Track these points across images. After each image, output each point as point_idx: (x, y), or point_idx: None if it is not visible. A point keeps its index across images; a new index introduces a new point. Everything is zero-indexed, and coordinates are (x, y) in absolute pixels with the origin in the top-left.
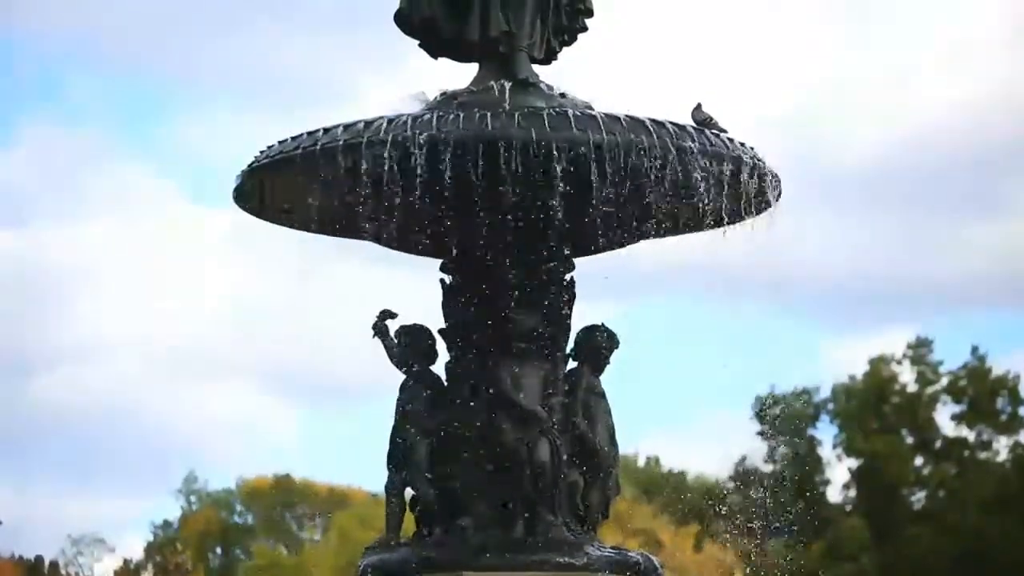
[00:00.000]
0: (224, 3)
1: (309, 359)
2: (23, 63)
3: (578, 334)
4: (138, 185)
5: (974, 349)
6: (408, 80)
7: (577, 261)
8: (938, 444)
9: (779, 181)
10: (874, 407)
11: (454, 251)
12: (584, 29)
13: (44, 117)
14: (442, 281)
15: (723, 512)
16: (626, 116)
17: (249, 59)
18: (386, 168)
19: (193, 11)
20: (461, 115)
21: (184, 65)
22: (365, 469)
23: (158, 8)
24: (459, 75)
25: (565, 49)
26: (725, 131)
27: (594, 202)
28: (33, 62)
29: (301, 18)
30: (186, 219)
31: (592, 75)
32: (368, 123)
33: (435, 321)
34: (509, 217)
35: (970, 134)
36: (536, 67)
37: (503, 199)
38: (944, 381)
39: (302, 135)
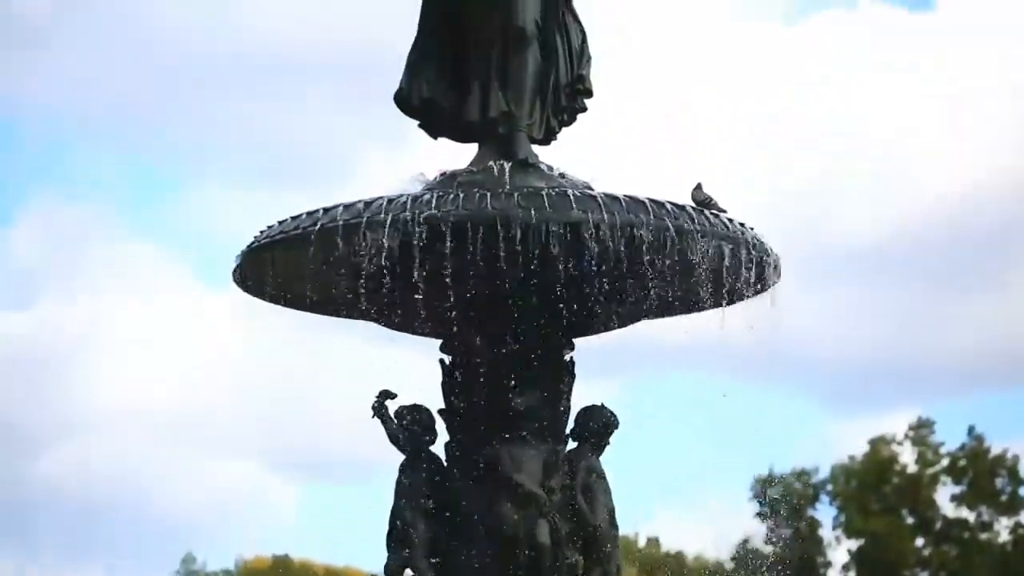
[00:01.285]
0: (231, 80)
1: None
2: (29, 138)
3: (578, 414)
4: (142, 261)
5: (970, 429)
6: (414, 158)
7: (577, 341)
8: (939, 525)
9: (779, 261)
10: (874, 488)
11: (454, 331)
12: (583, 109)
13: (50, 192)
14: (442, 361)
15: None
16: (625, 196)
17: (255, 135)
18: (386, 248)
19: (200, 87)
20: (461, 195)
21: (190, 141)
22: (364, 549)
23: (165, 84)
24: (461, 154)
25: (564, 129)
26: (725, 211)
27: (594, 282)
28: (39, 137)
29: (307, 95)
30: (189, 295)
31: (592, 154)
32: (368, 203)
33: (435, 401)
34: (509, 297)
35: (972, 213)
36: (535, 147)
37: (503, 279)
38: (944, 462)
39: (301, 215)
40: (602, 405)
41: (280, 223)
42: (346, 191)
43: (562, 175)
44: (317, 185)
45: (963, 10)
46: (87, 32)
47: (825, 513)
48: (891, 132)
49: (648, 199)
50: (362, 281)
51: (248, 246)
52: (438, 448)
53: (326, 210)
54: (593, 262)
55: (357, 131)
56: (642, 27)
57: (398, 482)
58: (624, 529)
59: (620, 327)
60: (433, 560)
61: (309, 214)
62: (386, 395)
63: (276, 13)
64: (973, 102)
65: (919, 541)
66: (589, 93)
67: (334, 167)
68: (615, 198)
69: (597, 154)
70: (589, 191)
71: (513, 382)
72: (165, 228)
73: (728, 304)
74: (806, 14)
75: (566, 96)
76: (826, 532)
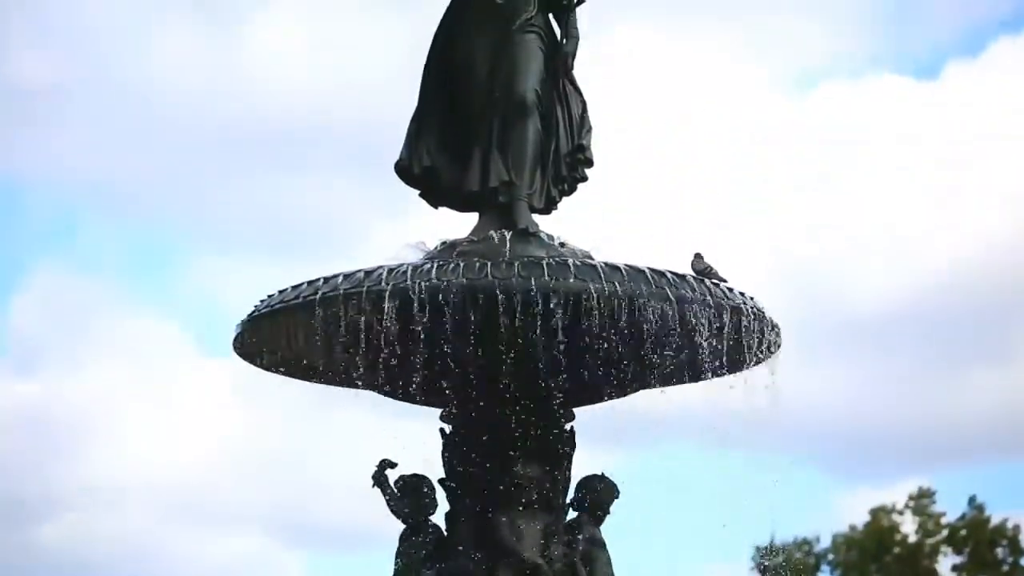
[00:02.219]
0: (235, 150)
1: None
2: (36, 209)
3: (578, 484)
4: (147, 332)
5: (971, 499)
6: (420, 227)
7: (577, 410)
8: None
9: (779, 331)
10: (875, 557)
11: (454, 401)
12: (584, 179)
13: (56, 263)
14: (442, 431)
15: None
16: (626, 265)
17: (260, 206)
18: (386, 317)
19: (204, 158)
20: (461, 264)
21: (195, 211)
22: None
23: (170, 155)
24: (463, 223)
25: (565, 198)
26: (725, 280)
27: (594, 351)
28: (46, 208)
29: (313, 165)
30: (193, 366)
31: (594, 222)
32: (368, 272)
33: (435, 470)
34: (508, 366)
35: (975, 284)
36: (536, 216)
37: (503, 349)
38: (945, 532)
39: (302, 284)
40: (602, 475)
41: (280, 292)
42: (352, 261)
43: (562, 244)
44: (323, 255)
45: (969, 79)
46: (90, 104)
47: None
48: (895, 201)
49: (649, 268)
50: (362, 350)
51: (248, 315)
52: (438, 518)
53: (326, 279)
54: (594, 331)
55: (363, 200)
56: (644, 95)
57: (399, 552)
58: None
59: (621, 396)
60: None
61: (310, 283)
62: (386, 464)
63: (280, 83)
64: (979, 173)
65: None
66: (590, 162)
67: (340, 237)
68: (615, 267)
69: (598, 222)
70: (589, 260)
71: (513, 452)
72: (169, 298)
73: (729, 373)
74: (813, 84)
75: (567, 165)
76: None
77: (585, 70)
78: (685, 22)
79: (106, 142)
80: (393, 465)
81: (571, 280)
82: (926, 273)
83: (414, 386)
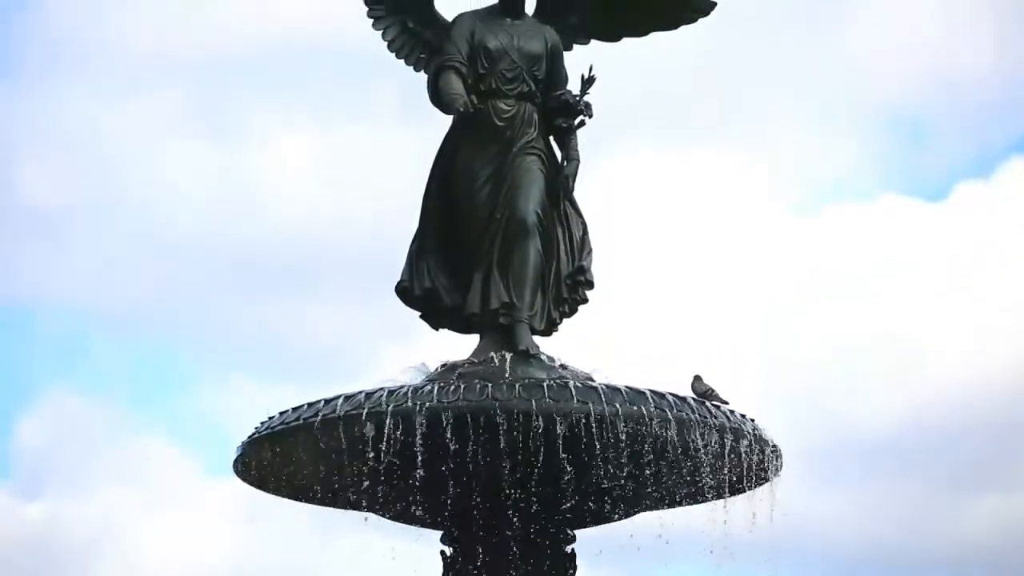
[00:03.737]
0: (243, 272)
1: None
2: (46, 331)
3: None
4: (154, 454)
5: None
6: (427, 348)
7: (578, 532)
8: None
9: (780, 453)
10: None
11: (454, 523)
12: (585, 300)
13: (65, 385)
14: (442, 553)
15: None
16: (626, 387)
17: (268, 327)
18: (386, 439)
19: (213, 280)
20: (462, 386)
21: (204, 333)
22: None
23: (181, 276)
24: (469, 344)
25: (566, 320)
26: (726, 403)
27: (595, 473)
28: (56, 330)
29: (320, 287)
30: (200, 487)
31: (595, 343)
32: (369, 394)
33: None
34: (509, 488)
35: (983, 407)
36: (537, 338)
37: (503, 470)
38: None
39: (302, 406)
40: None
41: (281, 414)
42: (361, 382)
43: (563, 366)
44: (328, 377)
45: (979, 200)
46: (100, 225)
47: None
48: (902, 323)
49: (649, 390)
50: (363, 472)
51: (249, 437)
52: None
53: (327, 400)
54: (594, 453)
55: (372, 322)
56: (648, 214)
57: None
58: None
59: (622, 518)
60: None
61: (310, 405)
62: None
63: (289, 205)
64: (985, 295)
65: None
66: (590, 284)
67: (349, 359)
68: (616, 389)
69: (600, 343)
70: (590, 382)
71: (514, 574)
72: (177, 420)
73: (730, 496)
74: (820, 205)
75: (567, 287)
76: None
77: (588, 189)
78: (691, 142)
79: (116, 263)
80: None
81: (572, 402)
82: (933, 396)
83: (415, 508)
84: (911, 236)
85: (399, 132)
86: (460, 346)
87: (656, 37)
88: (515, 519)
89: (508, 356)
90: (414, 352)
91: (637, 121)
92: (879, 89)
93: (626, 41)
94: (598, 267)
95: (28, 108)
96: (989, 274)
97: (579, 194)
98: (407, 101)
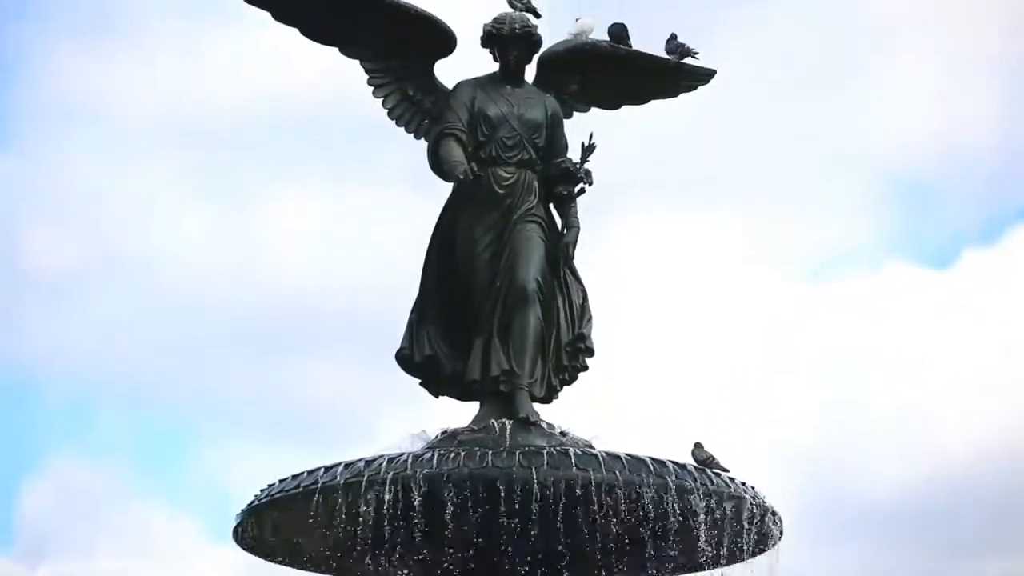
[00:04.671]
0: (251, 336)
1: None
2: (51, 396)
3: None
4: (158, 519)
5: None
6: (432, 414)
7: None
8: None
9: (781, 521)
10: None
11: None
12: (585, 368)
13: (69, 450)
14: None
15: None
16: (627, 455)
17: (273, 392)
18: (386, 507)
19: (220, 344)
20: (462, 453)
21: (209, 397)
22: None
23: (186, 340)
24: (469, 411)
25: (566, 387)
26: (727, 470)
27: (595, 540)
28: (61, 395)
29: (325, 352)
30: (203, 554)
31: (596, 410)
32: (368, 461)
33: None
34: (509, 555)
35: (986, 474)
36: (537, 405)
37: (503, 537)
38: None
39: (302, 473)
40: None
41: (281, 481)
42: (363, 449)
43: (563, 433)
44: (332, 442)
45: (986, 267)
46: (105, 288)
47: None
48: (906, 391)
49: (650, 458)
50: (362, 539)
51: (249, 504)
52: None
53: (327, 468)
54: (594, 521)
55: (376, 388)
56: (654, 282)
57: None
58: None
59: None
60: None
61: (310, 472)
62: None
63: (294, 268)
64: (990, 362)
65: None
66: (590, 352)
67: (351, 424)
68: (616, 457)
69: (601, 410)
70: (590, 450)
71: None
72: (181, 485)
73: (730, 563)
74: (826, 274)
75: (567, 355)
76: None
77: (588, 255)
78: (697, 209)
79: (121, 329)
80: None
81: (572, 470)
82: (936, 460)
83: (415, 574)
84: (917, 303)
85: (406, 197)
86: (462, 412)
87: (656, 104)
88: None
89: (508, 423)
90: (418, 417)
91: (637, 188)
92: (884, 155)
93: (626, 108)
94: (598, 334)
95: (32, 173)
96: (995, 341)
97: (579, 261)
98: (414, 166)
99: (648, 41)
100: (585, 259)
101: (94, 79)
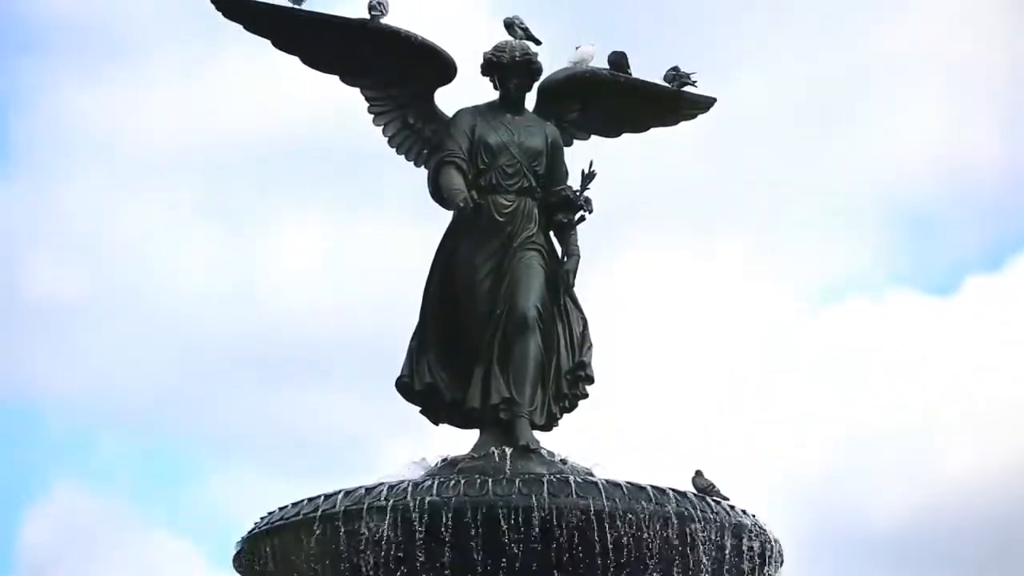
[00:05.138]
0: (252, 365)
1: None
2: (54, 426)
3: None
4: (159, 548)
5: None
6: (437, 442)
7: None
8: None
9: (782, 548)
10: None
11: None
12: (585, 395)
13: (72, 480)
14: None
15: None
16: (627, 483)
17: (275, 420)
18: (386, 534)
19: (222, 373)
20: (462, 481)
21: (211, 426)
22: None
23: (188, 369)
24: (468, 439)
25: (566, 415)
26: (727, 498)
27: (596, 568)
28: (64, 425)
29: (326, 380)
30: None
31: (598, 438)
32: (369, 489)
33: None
34: None
35: (987, 501)
36: (537, 433)
37: (504, 565)
38: None
39: (302, 501)
40: None
41: (280, 509)
42: (363, 477)
43: (563, 461)
44: (335, 470)
45: (987, 294)
46: (109, 319)
47: None
48: (910, 418)
49: (650, 486)
50: (363, 566)
51: (248, 532)
52: None
53: (326, 496)
54: (595, 548)
55: (378, 415)
56: (653, 307)
57: None
58: None
59: None
60: None
61: (309, 500)
62: None
63: (296, 298)
64: (995, 389)
65: None
66: (591, 379)
67: (355, 451)
68: (616, 484)
69: (601, 437)
70: (591, 477)
71: None
72: (182, 513)
73: None
74: (828, 301)
75: (567, 382)
76: None
77: (589, 283)
78: (699, 237)
79: (123, 356)
80: None
81: (572, 497)
82: (940, 489)
83: None
84: (920, 331)
85: (410, 226)
86: (465, 440)
87: (661, 132)
88: None
89: (508, 451)
90: (421, 446)
91: (638, 216)
92: (886, 183)
93: (627, 136)
94: (599, 361)
95: (35, 202)
96: (999, 368)
97: (579, 289)
98: (418, 195)
99: (649, 69)
100: (585, 287)
101: (97, 109)
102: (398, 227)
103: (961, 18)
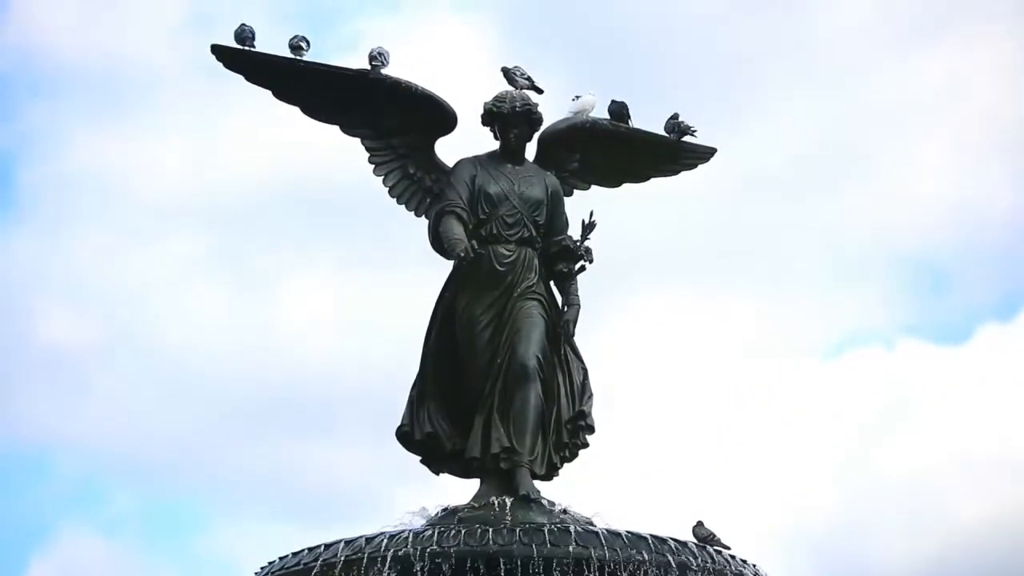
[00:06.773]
0: (259, 415)
1: None
2: (63, 472)
3: None
4: None
5: None
6: (436, 492)
7: None
8: None
9: None
10: None
11: None
12: (585, 445)
13: (79, 526)
14: None
15: None
16: (627, 532)
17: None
18: None
19: (229, 422)
20: (462, 531)
21: (217, 475)
22: None
23: (195, 418)
24: (471, 488)
25: (567, 464)
26: (728, 547)
27: None
28: (71, 471)
29: (332, 430)
30: None
31: (596, 487)
32: (369, 539)
33: None
34: None
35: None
36: (538, 482)
37: None
38: None
39: (303, 551)
40: None
41: (282, 558)
42: (372, 525)
43: (564, 511)
44: (341, 520)
45: (999, 344)
46: (117, 367)
47: None
48: (919, 467)
49: (650, 535)
50: None
51: None
52: None
53: (327, 545)
54: None
55: (385, 465)
56: (658, 354)
57: None
58: None
59: None
60: None
61: (310, 549)
62: None
63: (304, 348)
64: (1004, 438)
65: None
66: (591, 429)
67: (361, 501)
68: (617, 534)
69: (601, 487)
70: (591, 527)
71: None
72: (188, 562)
73: None
74: (844, 352)
75: (568, 432)
76: None
77: (600, 331)
78: (707, 289)
79: (132, 404)
80: None
81: (572, 547)
82: (951, 538)
83: None
84: (931, 380)
85: (417, 276)
86: (471, 489)
87: (671, 182)
88: None
89: (509, 501)
90: (428, 495)
91: (639, 265)
92: (897, 234)
93: (627, 186)
94: (601, 411)
95: (47, 250)
96: (1009, 417)
97: (580, 338)
98: (425, 245)
99: (653, 119)
100: (586, 336)
101: (108, 157)
102: (407, 279)
103: (973, 69)
